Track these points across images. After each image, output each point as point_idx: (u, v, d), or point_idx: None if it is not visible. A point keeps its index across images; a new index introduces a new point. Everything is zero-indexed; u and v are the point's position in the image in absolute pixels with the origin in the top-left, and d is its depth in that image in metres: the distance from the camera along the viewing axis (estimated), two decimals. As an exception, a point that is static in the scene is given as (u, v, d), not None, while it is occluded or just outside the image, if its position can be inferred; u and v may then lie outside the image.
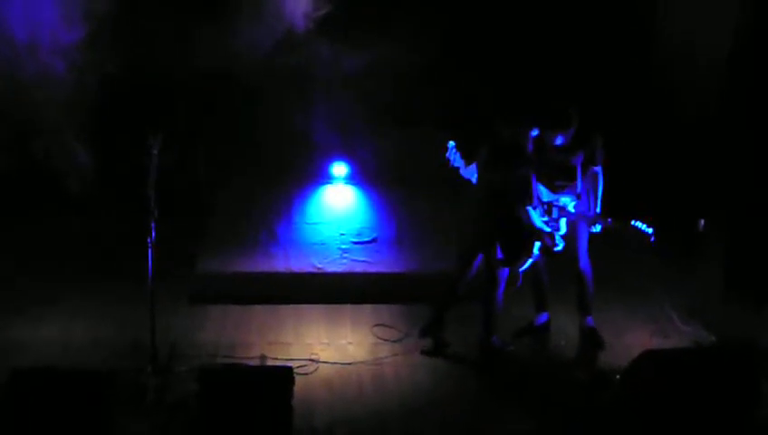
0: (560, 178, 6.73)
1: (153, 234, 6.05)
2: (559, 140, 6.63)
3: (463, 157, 6.85)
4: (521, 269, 6.68)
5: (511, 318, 7.13)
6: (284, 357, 6.73)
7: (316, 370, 6.62)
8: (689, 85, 8.74)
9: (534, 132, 6.59)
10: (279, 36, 8.07)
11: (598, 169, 6.74)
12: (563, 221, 6.71)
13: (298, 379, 5.79)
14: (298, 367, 6.43)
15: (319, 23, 8.26)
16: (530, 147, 6.59)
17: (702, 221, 7.21)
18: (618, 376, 6.06)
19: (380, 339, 7.12)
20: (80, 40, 7.05)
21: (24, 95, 7.16)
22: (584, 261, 6.88)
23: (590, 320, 7.05)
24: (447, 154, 6.83)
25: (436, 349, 6.92)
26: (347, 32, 8.57)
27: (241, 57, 7.95)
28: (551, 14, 9.36)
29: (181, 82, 8.50)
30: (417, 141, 9.12)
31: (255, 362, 6.64)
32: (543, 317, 7.20)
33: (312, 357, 6.77)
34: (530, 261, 6.63)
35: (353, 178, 9.33)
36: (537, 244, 6.56)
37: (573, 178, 6.71)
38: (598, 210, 6.72)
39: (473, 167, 6.80)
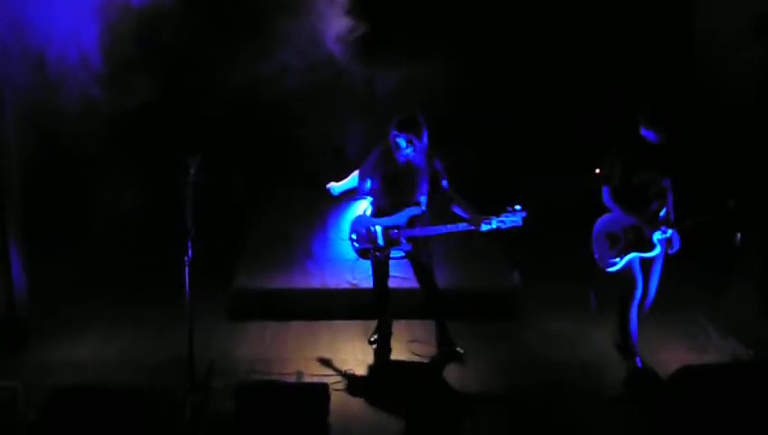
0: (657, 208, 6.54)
1: (190, 252, 6.14)
2: (654, 138, 6.38)
3: None
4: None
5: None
6: (321, 373, 6.77)
7: (352, 386, 6.65)
8: (728, 96, 8.63)
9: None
10: (314, 58, 8.15)
11: (668, 181, 6.55)
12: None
13: (334, 395, 5.84)
14: (334, 383, 6.47)
15: (352, 44, 8.33)
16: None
17: (739, 235, 7.12)
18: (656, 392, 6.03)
19: (415, 355, 7.14)
20: (116, 68, 7.18)
21: (62, 123, 7.29)
22: (652, 292, 6.72)
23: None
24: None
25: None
26: (381, 52, 8.62)
27: (276, 78, 8.04)
28: (586, 26, 9.37)
29: (217, 103, 8.61)
30: (452, 157, 9.13)
31: (292, 379, 6.69)
32: None
33: (348, 373, 6.82)
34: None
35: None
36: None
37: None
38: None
39: None
